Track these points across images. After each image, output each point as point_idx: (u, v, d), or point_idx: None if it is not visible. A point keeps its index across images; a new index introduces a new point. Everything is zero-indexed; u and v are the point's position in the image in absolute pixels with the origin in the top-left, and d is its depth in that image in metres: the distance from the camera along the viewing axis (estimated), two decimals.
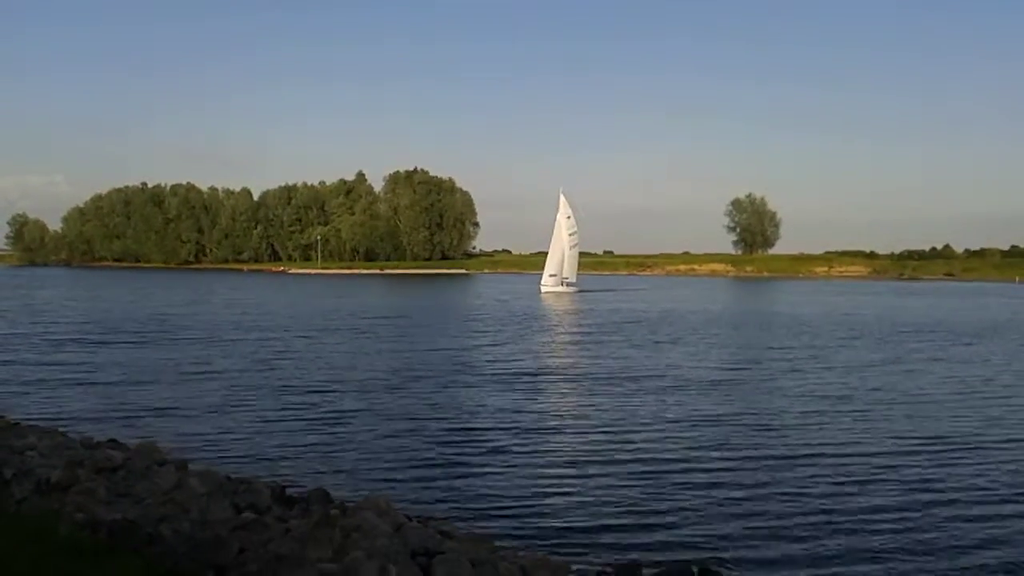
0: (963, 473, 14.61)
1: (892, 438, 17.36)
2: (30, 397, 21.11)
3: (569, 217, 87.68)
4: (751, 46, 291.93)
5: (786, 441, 16.97)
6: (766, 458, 15.52)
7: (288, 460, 15.13)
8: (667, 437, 17.32)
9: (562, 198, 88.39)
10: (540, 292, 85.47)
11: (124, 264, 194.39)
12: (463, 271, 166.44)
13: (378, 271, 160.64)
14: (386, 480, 13.94)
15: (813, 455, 15.76)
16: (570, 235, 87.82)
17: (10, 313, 49.45)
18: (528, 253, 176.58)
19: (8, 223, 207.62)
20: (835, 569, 10.11)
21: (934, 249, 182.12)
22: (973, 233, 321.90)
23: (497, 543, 10.52)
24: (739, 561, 10.27)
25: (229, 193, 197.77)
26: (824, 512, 12.22)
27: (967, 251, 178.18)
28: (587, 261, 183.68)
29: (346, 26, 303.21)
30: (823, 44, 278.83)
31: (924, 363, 30.42)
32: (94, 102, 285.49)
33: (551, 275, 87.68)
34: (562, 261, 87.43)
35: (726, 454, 15.87)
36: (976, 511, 12.37)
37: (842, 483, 13.83)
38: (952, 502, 12.81)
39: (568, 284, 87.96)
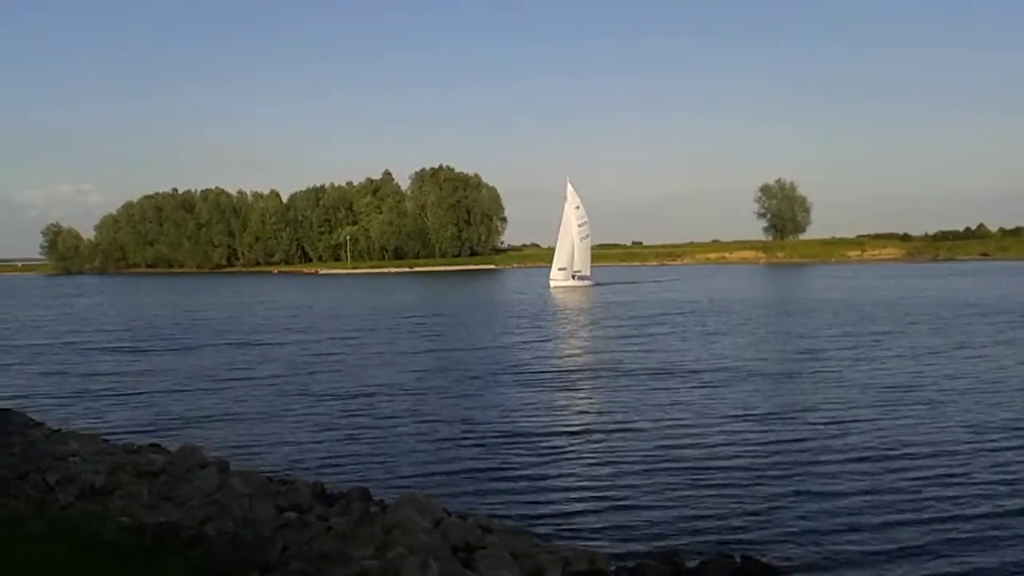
0: None
1: (969, 429, 16.44)
2: (71, 405, 21.47)
3: (578, 207, 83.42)
4: (778, 29, 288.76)
5: (854, 435, 16.25)
6: (828, 452, 14.97)
7: (326, 459, 15.26)
8: (721, 431, 16.88)
9: (569, 187, 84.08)
10: (549, 287, 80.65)
11: (157, 270, 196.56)
12: (492, 266, 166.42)
13: (408, 269, 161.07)
14: (423, 476, 14.01)
15: (884, 449, 15.06)
16: (580, 226, 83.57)
17: (51, 322, 50.20)
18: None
19: (42, 233, 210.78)
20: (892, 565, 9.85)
21: (968, 229, 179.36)
22: (1008, 212, 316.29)
23: (536, 536, 10.51)
24: (788, 552, 10.14)
25: (258, 196, 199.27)
26: (881, 503, 11.91)
27: (1002, 230, 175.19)
28: (616, 252, 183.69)
29: (368, 30, 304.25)
30: (851, 26, 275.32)
31: (992, 347, 29.12)
32: (121, 110, 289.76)
33: (560, 268, 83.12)
34: (572, 253, 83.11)
35: (781, 446, 15.51)
36: None
37: (913, 478, 13.18)
38: None
39: (580, 277, 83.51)
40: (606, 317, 47.19)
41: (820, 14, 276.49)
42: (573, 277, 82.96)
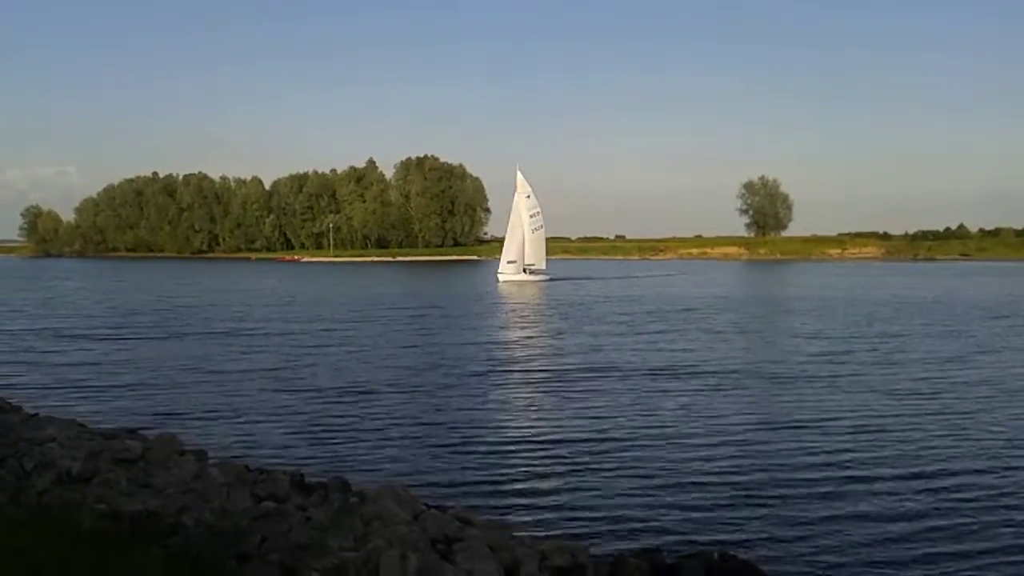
0: None
1: (981, 438, 15.73)
2: (49, 390, 21.23)
3: (529, 196, 78.46)
4: (763, 26, 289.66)
5: (859, 441, 15.65)
6: (825, 455, 14.69)
7: (305, 450, 15.21)
8: (710, 433, 16.41)
9: (519, 176, 78.96)
10: (498, 281, 75.50)
11: (137, 254, 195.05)
12: (475, 257, 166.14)
13: (390, 259, 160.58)
14: (403, 467, 14.00)
15: (887, 457, 14.55)
16: (531, 216, 78.40)
17: (30, 307, 49.55)
18: None
19: (22, 215, 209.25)
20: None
21: (948, 229, 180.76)
22: (987, 213, 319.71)
23: (516, 530, 10.53)
24: (769, 552, 10.17)
25: (241, 182, 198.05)
26: (870, 512, 11.64)
27: (981, 231, 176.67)
28: (599, 246, 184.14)
29: (355, 22, 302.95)
30: (834, 24, 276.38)
31: (1016, 352, 28.18)
32: (104, 93, 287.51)
33: (509, 262, 77.24)
34: (522, 246, 77.62)
35: (771, 447, 15.32)
36: None
37: (910, 488, 12.75)
38: None
39: (533, 271, 78.20)
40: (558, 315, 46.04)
41: (805, 13, 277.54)
42: (525, 271, 78.02)
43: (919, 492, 12.58)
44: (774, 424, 17.35)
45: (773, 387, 21.89)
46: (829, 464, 14.17)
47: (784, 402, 19.85)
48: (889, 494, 12.48)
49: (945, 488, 12.78)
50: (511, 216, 79.54)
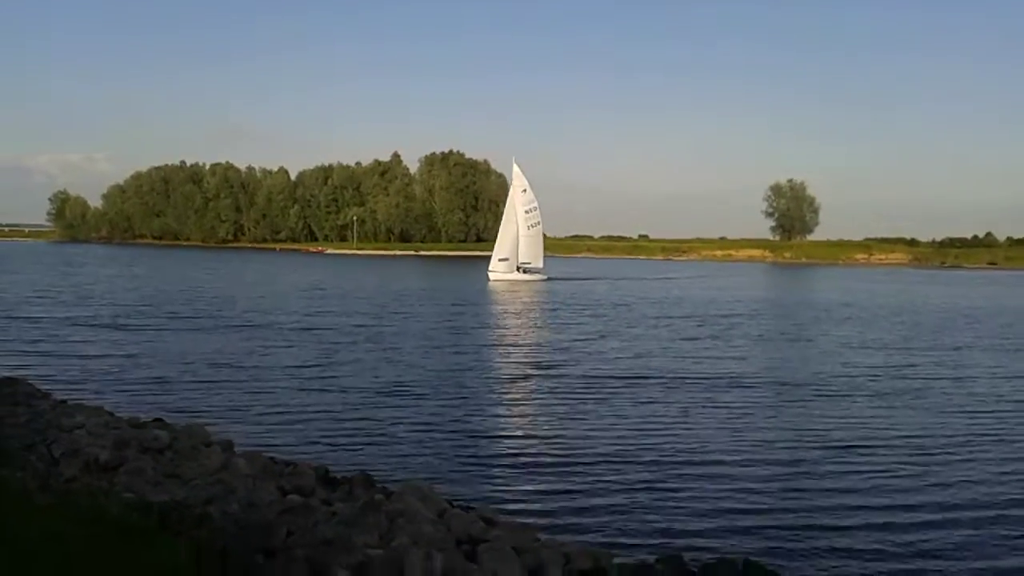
0: None
1: None
2: (79, 378, 21.41)
3: (525, 191, 74.21)
4: (792, 29, 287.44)
5: (936, 469, 14.50)
6: (865, 469, 14.28)
7: (328, 443, 15.28)
8: (742, 442, 16.10)
9: (516, 169, 75.33)
10: (488, 280, 71.14)
11: (164, 242, 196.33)
12: None
13: (413, 253, 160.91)
14: (426, 466, 14.02)
15: (937, 479, 13.82)
16: (527, 212, 73.92)
17: (63, 293, 49.63)
18: (563, 236, 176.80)
19: (50, 200, 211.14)
20: None
21: (976, 237, 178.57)
22: (1015, 221, 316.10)
23: (539, 531, 10.51)
24: (795, 564, 10.08)
25: (267, 173, 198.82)
26: (911, 532, 11.21)
27: (1010, 239, 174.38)
28: (622, 246, 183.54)
29: (387, 14, 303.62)
30: (867, 30, 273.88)
31: None
32: (134, 81, 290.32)
33: (501, 259, 72.84)
34: (516, 242, 73.09)
35: (809, 454, 15.12)
36: None
37: (960, 514, 12.08)
38: None
39: (527, 270, 73.86)
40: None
41: (838, 18, 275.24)
42: (518, 269, 73.55)
43: (968, 520, 11.89)
44: (821, 440, 16.44)
45: (825, 401, 20.74)
46: (876, 485, 13.49)
47: (836, 417, 18.78)
48: (937, 522, 11.79)
49: (996, 526, 11.75)
50: (505, 211, 75.85)
